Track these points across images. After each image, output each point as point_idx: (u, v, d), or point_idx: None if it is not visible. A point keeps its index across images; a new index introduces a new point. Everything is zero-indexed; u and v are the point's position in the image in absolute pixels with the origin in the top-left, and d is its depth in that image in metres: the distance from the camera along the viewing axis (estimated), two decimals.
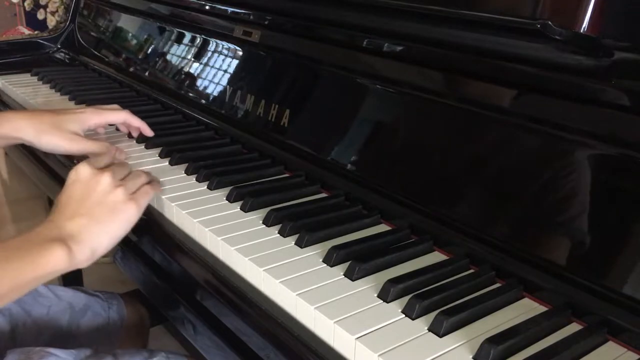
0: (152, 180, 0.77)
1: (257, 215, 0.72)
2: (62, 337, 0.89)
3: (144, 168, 0.85)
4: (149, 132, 0.96)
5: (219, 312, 0.64)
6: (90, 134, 0.94)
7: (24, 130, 0.86)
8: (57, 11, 2.21)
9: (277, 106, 0.89)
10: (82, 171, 0.71)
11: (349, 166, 0.77)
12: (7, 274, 0.61)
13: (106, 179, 0.70)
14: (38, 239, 0.64)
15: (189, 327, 0.70)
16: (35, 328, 0.87)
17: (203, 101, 1.05)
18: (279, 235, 0.68)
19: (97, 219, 0.67)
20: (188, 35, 1.15)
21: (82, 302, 0.93)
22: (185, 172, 0.84)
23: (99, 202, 0.69)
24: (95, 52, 1.43)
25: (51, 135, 0.86)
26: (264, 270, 0.61)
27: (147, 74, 1.24)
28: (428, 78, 0.73)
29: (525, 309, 0.57)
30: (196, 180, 0.82)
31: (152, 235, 0.77)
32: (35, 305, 0.89)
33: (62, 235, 0.65)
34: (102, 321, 0.94)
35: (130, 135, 0.99)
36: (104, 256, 0.70)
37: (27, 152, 1.14)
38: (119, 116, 0.93)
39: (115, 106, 0.95)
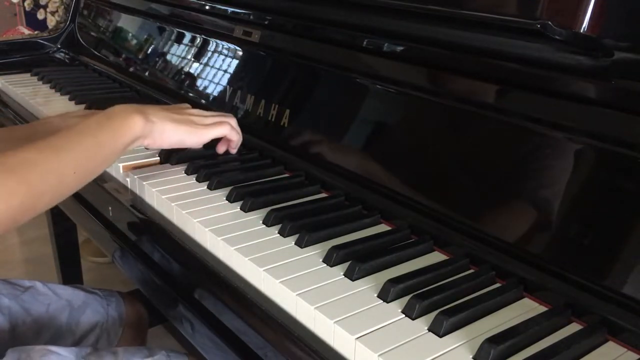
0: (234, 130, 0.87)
1: (257, 215, 0.72)
2: (62, 335, 0.90)
3: (144, 168, 0.85)
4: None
5: (218, 311, 0.64)
6: None
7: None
8: (57, 11, 2.21)
9: (277, 106, 0.89)
10: None
11: (349, 166, 0.77)
12: (105, 139, 0.72)
13: (190, 108, 0.86)
14: (119, 111, 0.75)
15: (187, 326, 0.70)
16: (35, 326, 0.88)
17: (203, 101, 1.05)
18: (279, 235, 0.68)
19: (172, 118, 0.79)
20: (188, 35, 1.15)
21: (80, 299, 0.94)
22: (186, 172, 0.84)
23: (179, 113, 0.82)
24: (96, 52, 1.43)
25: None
26: (264, 270, 0.61)
27: (147, 74, 1.24)
28: (428, 78, 0.73)
29: (525, 309, 0.57)
30: (196, 180, 0.82)
31: (151, 234, 0.77)
32: (34, 304, 0.89)
33: (139, 109, 0.76)
34: (101, 318, 0.94)
35: None
36: (103, 256, 0.72)
37: None
38: None
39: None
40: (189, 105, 0.88)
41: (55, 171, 0.66)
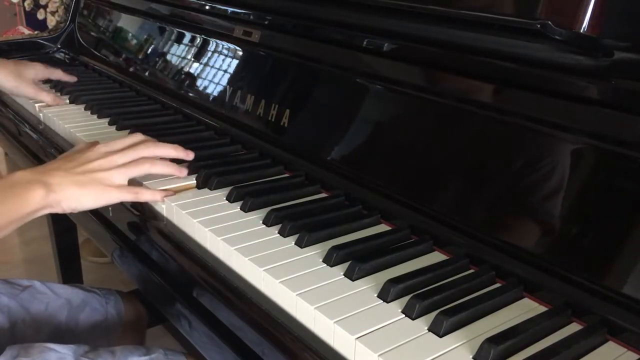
0: (158, 161, 0.79)
1: (257, 215, 0.72)
2: (61, 334, 0.90)
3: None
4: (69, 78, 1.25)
5: (217, 311, 0.64)
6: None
7: None
8: (57, 11, 2.21)
9: (277, 106, 0.88)
10: (87, 143, 0.79)
11: (349, 166, 0.77)
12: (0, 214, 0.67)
13: (101, 149, 0.76)
14: (20, 181, 0.70)
15: (186, 325, 0.70)
16: (34, 325, 0.88)
17: (203, 101, 1.05)
18: (279, 235, 0.68)
19: (76, 181, 0.72)
20: (188, 35, 1.15)
21: (79, 298, 0.94)
22: None
23: (84, 169, 0.74)
24: (95, 52, 1.43)
25: (16, 82, 1.14)
26: (264, 270, 0.61)
27: (147, 74, 1.24)
28: (428, 78, 0.73)
29: (525, 309, 0.57)
30: (196, 180, 0.82)
31: (151, 234, 0.77)
32: (33, 302, 0.89)
33: (40, 179, 0.70)
34: (100, 317, 0.94)
35: None
36: (103, 256, 0.72)
37: (28, 152, 1.14)
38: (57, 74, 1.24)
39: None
40: (99, 153, 0.76)
41: None
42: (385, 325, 0.53)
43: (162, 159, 0.80)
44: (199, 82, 1.08)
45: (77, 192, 0.72)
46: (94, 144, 0.78)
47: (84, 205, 0.74)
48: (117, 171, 0.75)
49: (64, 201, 0.72)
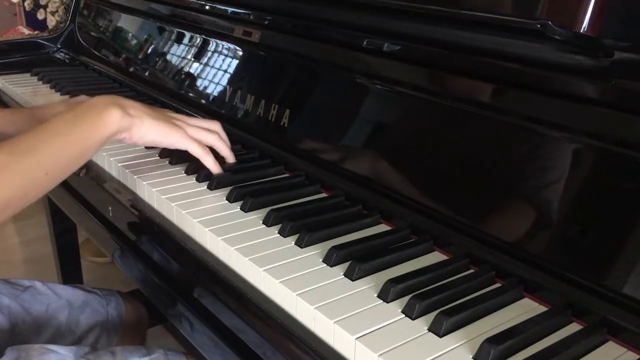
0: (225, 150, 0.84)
1: (257, 215, 0.72)
2: (62, 334, 0.90)
3: (143, 168, 0.85)
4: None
5: (218, 311, 0.65)
6: None
7: None
8: (57, 11, 2.21)
9: (277, 106, 0.89)
10: None
11: (349, 166, 0.77)
12: (77, 137, 0.70)
13: (176, 114, 0.82)
14: (97, 103, 0.74)
15: (187, 325, 0.70)
16: (34, 325, 0.88)
17: (203, 101, 1.05)
18: (279, 235, 0.68)
19: (151, 114, 0.77)
20: (188, 35, 1.15)
21: (80, 299, 0.94)
22: (185, 172, 0.84)
23: (160, 112, 0.80)
24: (95, 52, 1.43)
25: None
26: (264, 270, 0.61)
27: (147, 74, 1.24)
28: (428, 78, 0.73)
29: (525, 309, 0.57)
30: (196, 180, 0.82)
31: (151, 234, 0.77)
32: (34, 303, 0.89)
33: (118, 102, 0.74)
34: (101, 318, 0.94)
35: None
36: (103, 256, 0.72)
37: None
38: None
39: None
40: (171, 111, 0.85)
41: (25, 173, 0.65)
42: (385, 325, 0.53)
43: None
44: (199, 82, 1.08)
45: (150, 122, 0.76)
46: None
47: (150, 136, 0.77)
48: (191, 123, 0.81)
49: (135, 127, 0.75)
